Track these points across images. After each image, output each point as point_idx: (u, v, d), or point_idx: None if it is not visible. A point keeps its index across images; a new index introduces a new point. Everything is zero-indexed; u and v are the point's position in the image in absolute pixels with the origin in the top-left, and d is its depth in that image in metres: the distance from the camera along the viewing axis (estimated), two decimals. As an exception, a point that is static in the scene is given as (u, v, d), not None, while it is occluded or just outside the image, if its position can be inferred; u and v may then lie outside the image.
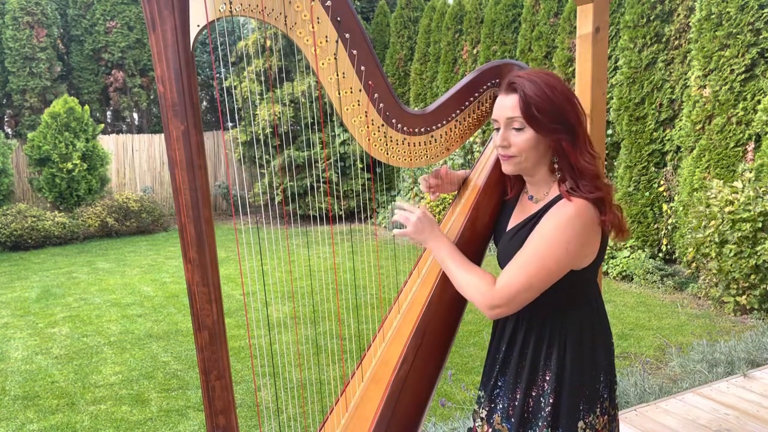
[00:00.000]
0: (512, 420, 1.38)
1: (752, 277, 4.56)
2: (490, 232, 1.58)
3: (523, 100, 1.28)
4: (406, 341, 1.54)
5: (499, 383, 1.43)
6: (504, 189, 1.57)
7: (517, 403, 1.38)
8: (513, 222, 1.46)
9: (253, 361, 4.17)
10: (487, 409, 1.45)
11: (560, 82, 1.31)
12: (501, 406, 1.41)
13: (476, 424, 1.50)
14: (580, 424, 1.34)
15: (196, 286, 1.25)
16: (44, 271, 7.47)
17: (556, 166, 1.34)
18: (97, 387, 3.83)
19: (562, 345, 1.35)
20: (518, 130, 1.32)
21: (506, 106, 1.32)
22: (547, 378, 1.35)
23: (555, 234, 1.26)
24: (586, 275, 1.33)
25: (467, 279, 1.36)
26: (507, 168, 1.38)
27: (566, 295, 1.34)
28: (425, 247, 1.48)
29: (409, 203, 1.51)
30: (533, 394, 1.37)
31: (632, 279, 5.99)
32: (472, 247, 1.58)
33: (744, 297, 4.68)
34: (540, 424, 1.35)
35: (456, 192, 1.73)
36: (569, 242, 1.25)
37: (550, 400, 1.34)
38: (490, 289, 1.31)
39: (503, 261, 1.40)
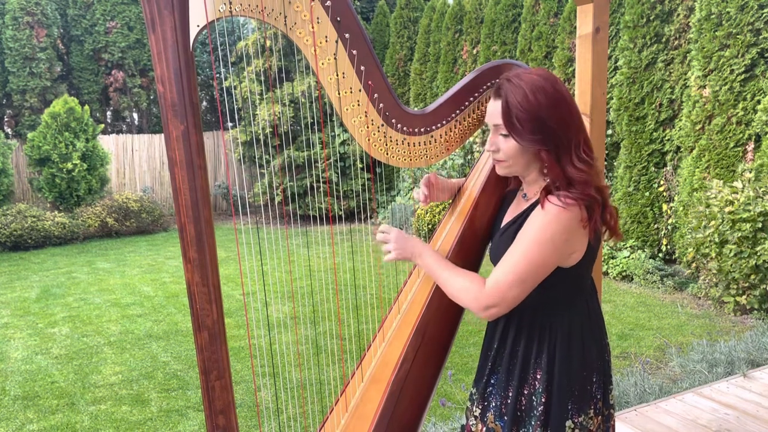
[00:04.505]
0: (505, 418, 1.39)
1: (752, 277, 4.56)
2: (489, 231, 1.58)
3: (505, 109, 1.28)
4: (406, 341, 1.54)
5: (492, 381, 1.43)
6: (505, 188, 1.57)
7: (509, 402, 1.38)
8: (507, 218, 1.47)
9: (253, 361, 4.17)
10: (480, 407, 1.45)
11: (550, 83, 1.28)
12: (494, 404, 1.42)
13: (470, 422, 1.49)
14: (569, 423, 1.34)
15: (196, 286, 1.25)
16: (44, 271, 7.47)
17: (545, 171, 1.34)
18: (97, 387, 3.83)
19: (552, 344, 1.35)
20: (505, 136, 1.33)
21: (493, 111, 1.33)
22: (538, 377, 1.36)
23: (538, 234, 1.26)
24: (575, 274, 1.34)
25: (457, 283, 1.36)
26: (499, 171, 1.40)
27: (555, 293, 1.34)
28: (413, 262, 1.49)
29: (384, 224, 1.52)
30: (525, 392, 1.37)
31: (632, 279, 5.99)
32: (471, 248, 1.58)
33: (744, 297, 4.68)
34: (533, 423, 1.35)
35: (452, 197, 1.73)
36: (553, 241, 1.26)
37: (542, 399, 1.34)
38: (481, 290, 1.31)
39: (493, 256, 1.42)
